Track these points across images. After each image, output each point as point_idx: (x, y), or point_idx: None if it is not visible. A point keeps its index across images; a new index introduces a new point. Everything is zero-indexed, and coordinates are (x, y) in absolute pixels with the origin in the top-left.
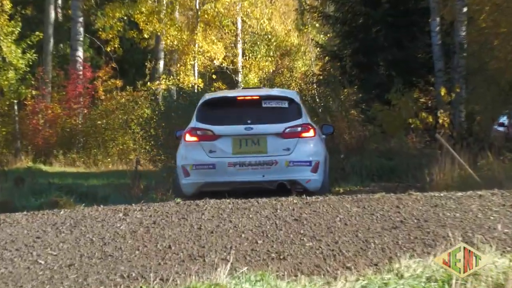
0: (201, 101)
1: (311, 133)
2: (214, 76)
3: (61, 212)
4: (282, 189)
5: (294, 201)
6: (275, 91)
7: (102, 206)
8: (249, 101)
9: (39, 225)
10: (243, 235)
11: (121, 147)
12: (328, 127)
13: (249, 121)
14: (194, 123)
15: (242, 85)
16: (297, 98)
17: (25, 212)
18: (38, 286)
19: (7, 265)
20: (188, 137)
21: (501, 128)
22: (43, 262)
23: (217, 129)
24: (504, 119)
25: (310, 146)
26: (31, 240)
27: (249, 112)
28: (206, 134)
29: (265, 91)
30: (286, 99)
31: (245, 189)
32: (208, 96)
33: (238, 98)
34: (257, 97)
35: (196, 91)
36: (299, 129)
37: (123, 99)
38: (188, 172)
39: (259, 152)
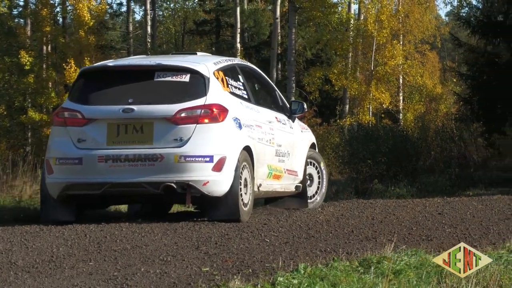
0: (78, 74)
1: (217, 117)
2: (383, 115)
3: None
4: (172, 194)
5: (438, 200)
6: (177, 60)
7: None
8: (136, 74)
9: (266, 215)
10: (402, 224)
11: None
12: (297, 104)
13: (130, 100)
14: (65, 102)
15: (402, 121)
16: (206, 70)
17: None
18: (265, 256)
19: (244, 243)
20: (55, 121)
21: None
22: (268, 240)
23: (87, 110)
24: None
25: (213, 135)
26: (260, 225)
27: (134, 88)
28: (74, 117)
29: (163, 59)
30: (187, 71)
31: (126, 194)
32: (86, 68)
33: (121, 68)
34: (148, 68)
35: (370, 125)
36: (199, 111)
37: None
38: (52, 168)
39: (142, 142)
